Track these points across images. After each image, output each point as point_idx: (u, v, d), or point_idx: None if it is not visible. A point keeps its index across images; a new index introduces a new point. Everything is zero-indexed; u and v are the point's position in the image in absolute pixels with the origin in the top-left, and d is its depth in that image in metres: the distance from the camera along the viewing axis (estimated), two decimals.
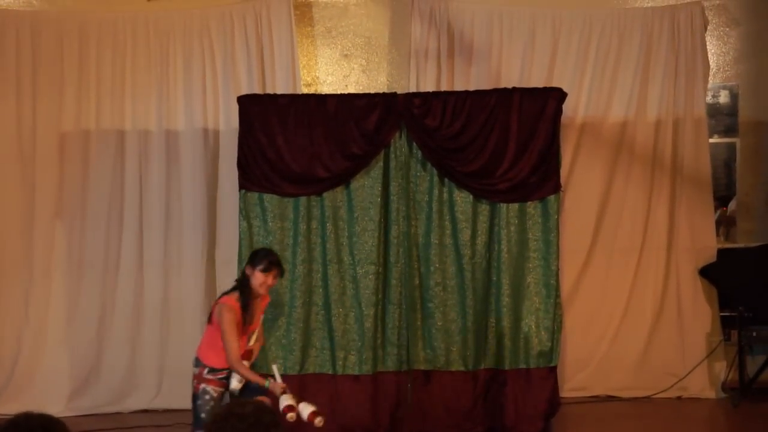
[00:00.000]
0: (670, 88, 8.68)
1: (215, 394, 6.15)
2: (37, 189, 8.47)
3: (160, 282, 8.47)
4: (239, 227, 7.60)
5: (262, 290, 6.18)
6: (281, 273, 6.32)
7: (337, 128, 7.58)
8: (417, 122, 7.59)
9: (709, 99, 8.90)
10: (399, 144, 7.63)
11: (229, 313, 6.03)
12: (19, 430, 2.88)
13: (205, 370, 6.15)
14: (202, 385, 6.13)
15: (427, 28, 8.62)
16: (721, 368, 8.66)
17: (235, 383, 6.08)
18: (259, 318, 6.30)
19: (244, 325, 6.12)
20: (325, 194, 7.59)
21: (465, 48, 8.64)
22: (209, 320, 6.20)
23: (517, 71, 8.62)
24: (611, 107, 8.71)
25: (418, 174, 7.66)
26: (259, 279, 6.15)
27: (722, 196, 9.14)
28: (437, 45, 8.61)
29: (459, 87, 8.40)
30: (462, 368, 7.58)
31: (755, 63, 9.12)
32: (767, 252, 8.70)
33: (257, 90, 8.36)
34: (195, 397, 6.16)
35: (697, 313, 8.67)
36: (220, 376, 6.15)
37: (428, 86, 8.47)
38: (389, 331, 7.58)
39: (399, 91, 8.07)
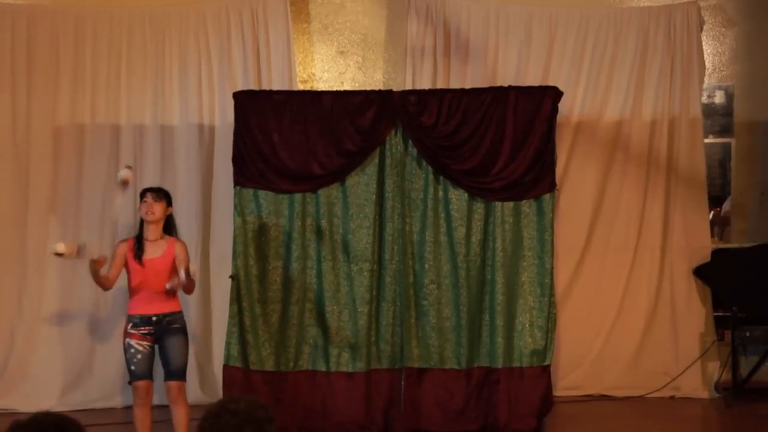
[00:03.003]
0: (666, 87, 8.68)
1: (140, 348, 6.39)
2: (31, 183, 8.45)
3: None
4: (234, 223, 7.60)
5: (147, 217, 6.47)
6: (155, 194, 6.51)
7: (332, 125, 7.57)
8: (412, 120, 7.59)
9: (704, 99, 8.90)
10: (394, 141, 7.63)
11: (118, 244, 6.57)
12: (28, 431, 2.86)
13: (129, 324, 6.44)
14: (126, 340, 6.43)
15: (423, 26, 8.61)
16: (714, 368, 8.66)
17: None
18: (169, 255, 6.46)
19: (137, 256, 6.43)
20: (320, 191, 7.60)
21: (461, 46, 8.64)
22: None
23: (513, 70, 8.61)
24: (607, 106, 8.71)
25: (414, 171, 7.65)
26: (141, 209, 6.54)
27: (717, 196, 9.15)
28: (433, 43, 8.61)
29: (455, 85, 8.39)
30: (456, 366, 7.59)
31: (751, 63, 9.12)
32: (761, 252, 8.71)
33: (253, 86, 8.34)
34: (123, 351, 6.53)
35: (691, 312, 8.68)
36: (142, 330, 6.40)
37: (424, 84, 8.47)
38: (383, 329, 7.58)
39: (395, 89, 8.07)
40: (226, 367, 7.52)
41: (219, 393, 7.81)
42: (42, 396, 8.21)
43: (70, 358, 8.39)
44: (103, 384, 8.38)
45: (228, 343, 7.53)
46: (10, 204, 8.46)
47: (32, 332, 8.41)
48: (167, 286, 6.37)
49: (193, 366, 8.30)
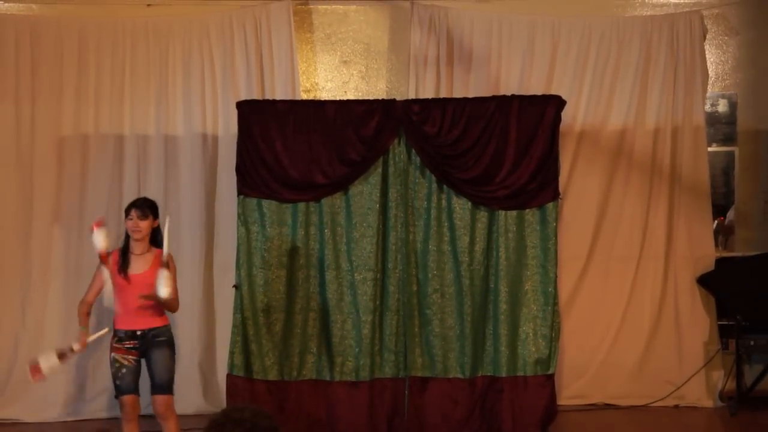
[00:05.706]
0: (669, 96, 8.68)
1: (125, 362, 6.28)
2: (35, 193, 8.45)
3: None
4: (237, 233, 7.61)
5: (134, 235, 6.35)
6: (140, 211, 6.34)
7: (335, 134, 7.58)
8: (416, 129, 7.60)
9: (707, 107, 8.90)
10: (398, 150, 7.64)
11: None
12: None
13: (115, 339, 6.34)
14: (111, 354, 6.34)
15: (426, 35, 8.62)
16: (718, 377, 8.64)
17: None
18: (153, 269, 6.27)
19: (122, 270, 6.30)
20: (323, 200, 7.60)
21: (464, 55, 8.64)
22: None
23: (516, 78, 8.62)
24: (610, 115, 8.71)
25: (417, 180, 7.66)
26: (127, 225, 6.40)
27: (720, 204, 9.14)
28: (436, 52, 8.61)
29: (458, 94, 8.40)
30: (459, 375, 7.58)
31: (754, 72, 9.12)
32: (765, 261, 8.70)
33: (256, 96, 8.35)
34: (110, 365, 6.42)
35: (695, 321, 8.67)
36: (127, 345, 6.29)
37: (427, 93, 8.47)
38: (387, 338, 7.58)
39: (398, 98, 8.08)
40: (230, 377, 7.52)
41: (222, 402, 7.80)
42: (46, 406, 8.21)
43: (74, 367, 8.37)
44: (107, 393, 8.35)
45: (231, 353, 7.53)
46: (14, 214, 8.46)
47: (36, 342, 8.40)
48: (140, 296, 6.18)
49: (196, 375, 8.32)
